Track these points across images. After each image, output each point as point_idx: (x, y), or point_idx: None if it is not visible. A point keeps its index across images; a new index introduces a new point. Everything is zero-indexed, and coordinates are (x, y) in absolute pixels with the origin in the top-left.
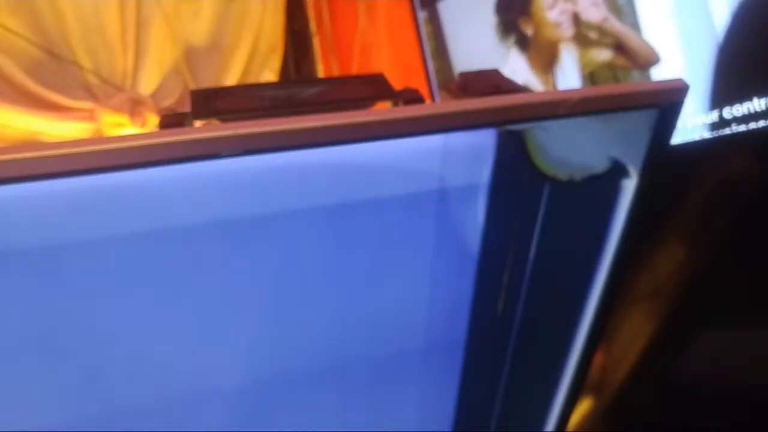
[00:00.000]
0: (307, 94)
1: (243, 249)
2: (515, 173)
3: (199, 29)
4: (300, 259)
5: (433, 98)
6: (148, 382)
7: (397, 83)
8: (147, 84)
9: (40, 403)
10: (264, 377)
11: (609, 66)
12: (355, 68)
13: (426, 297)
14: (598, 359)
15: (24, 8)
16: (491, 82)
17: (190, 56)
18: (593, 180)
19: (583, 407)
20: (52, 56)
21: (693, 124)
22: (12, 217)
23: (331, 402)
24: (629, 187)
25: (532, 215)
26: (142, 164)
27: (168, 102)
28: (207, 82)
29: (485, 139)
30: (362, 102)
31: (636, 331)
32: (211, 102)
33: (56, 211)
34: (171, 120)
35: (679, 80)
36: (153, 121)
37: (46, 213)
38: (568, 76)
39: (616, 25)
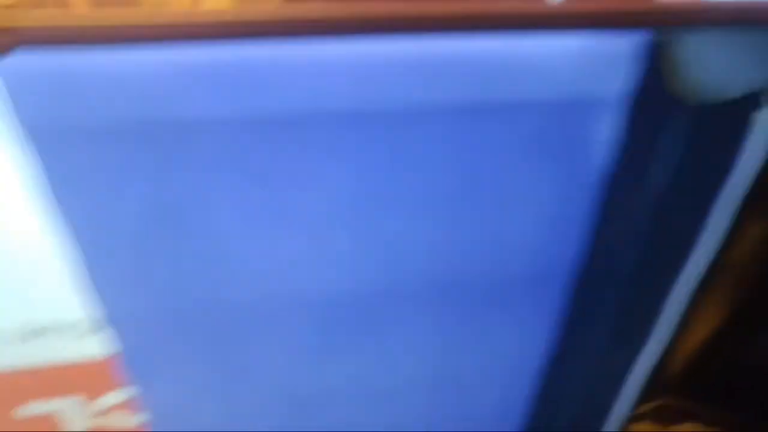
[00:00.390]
0: None
1: (368, 144)
2: (651, 90)
3: None
4: (425, 160)
5: None
6: (259, 277)
7: None
8: None
9: (156, 282)
10: (371, 286)
11: None
12: None
13: (545, 215)
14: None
15: None
16: None
17: None
18: (728, 106)
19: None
20: None
21: None
22: (149, 88)
23: (434, 317)
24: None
25: (660, 138)
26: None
27: None
28: None
29: (623, 49)
30: None
31: (711, 306)
32: None
33: (189, 83)
34: None
35: None
36: None
37: (181, 84)
38: None
39: None
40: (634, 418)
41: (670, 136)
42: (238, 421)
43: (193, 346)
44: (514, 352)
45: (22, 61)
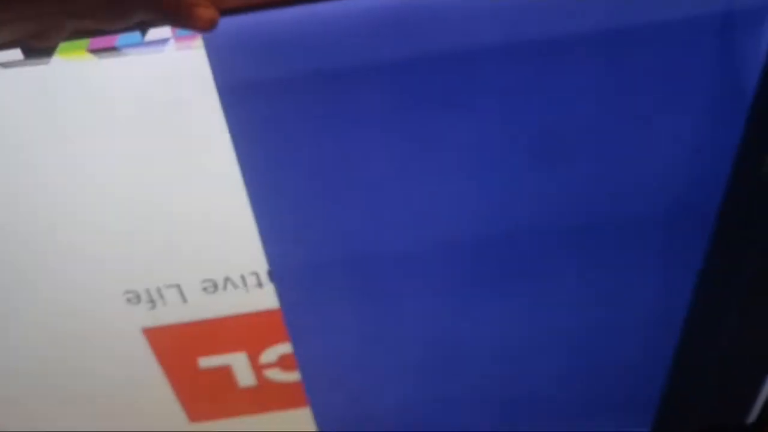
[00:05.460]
0: None
1: (518, 80)
2: None
3: None
4: (560, 94)
5: None
6: (412, 225)
7: None
8: None
9: (316, 234)
10: (507, 231)
11: None
12: None
13: (689, 146)
14: None
15: None
16: None
17: None
18: None
19: None
20: None
21: None
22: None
23: (571, 263)
24: None
25: None
26: None
27: None
28: None
29: None
30: None
31: None
32: None
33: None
34: None
35: None
36: None
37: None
38: None
39: None
40: None
41: None
42: (388, 377)
43: (350, 300)
44: (658, 302)
45: (221, 27)
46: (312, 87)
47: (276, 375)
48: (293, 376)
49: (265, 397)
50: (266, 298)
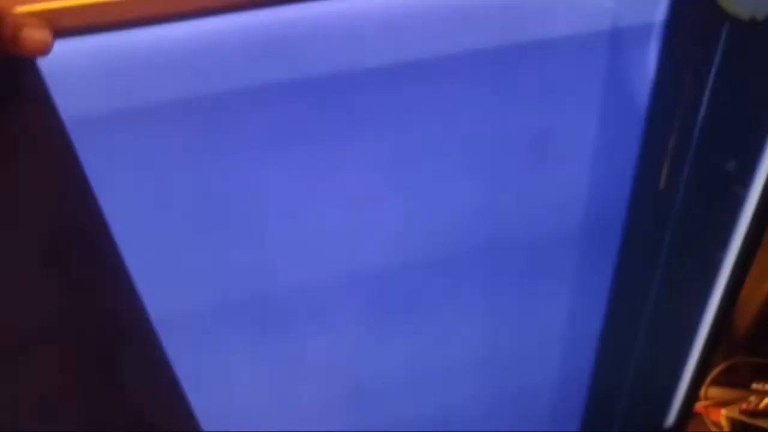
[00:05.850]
0: None
1: (397, 101)
2: (693, 10)
3: None
4: (454, 116)
5: None
6: (307, 258)
7: None
8: None
9: (200, 275)
10: (411, 258)
11: None
12: None
13: (587, 164)
14: None
15: None
16: None
17: None
18: None
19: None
20: None
21: None
22: (167, 66)
23: (481, 287)
24: None
25: (708, 63)
26: None
27: None
28: None
29: None
30: None
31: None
32: None
33: (218, 54)
34: None
35: None
36: None
37: (211, 56)
38: None
39: None
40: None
41: (717, 58)
42: (291, 417)
43: (244, 342)
44: (570, 317)
45: (58, 48)
46: (179, 116)
47: None
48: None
49: None
50: None
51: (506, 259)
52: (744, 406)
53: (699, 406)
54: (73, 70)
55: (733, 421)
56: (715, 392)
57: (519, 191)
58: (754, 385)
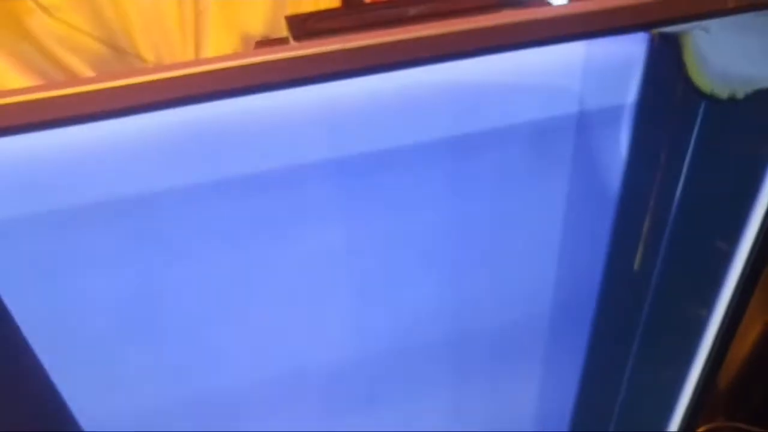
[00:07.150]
0: (415, 11)
1: (348, 194)
2: (667, 91)
3: (256, 18)
4: (415, 205)
5: None
6: (250, 358)
7: None
8: None
9: (132, 382)
10: (369, 351)
11: None
12: None
13: (557, 249)
14: None
15: (85, 5)
16: None
17: (248, 46)
18: (759, 98)
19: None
20: (116, 51)
21: None
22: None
23: (447, 378)
24: None
25: (683, 143)
26: (241, 90)
27: None
28: None
29: (634, 48)
30: (483, 11)
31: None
32: (310, 24)
33: (147, 154)
34: (268, 45)
35: None
36: None
37: (140, 155)
38: None
39: None
40: None
41: (694, 137)
42: None
43: None
44: (542, 399)
45: None
46: (100, 217)
47: None
48: None
49: None
50: None
51: (473, 347)
52: None
53: None
54: None
55: None
56: None
57: (483, 279)
58: None
